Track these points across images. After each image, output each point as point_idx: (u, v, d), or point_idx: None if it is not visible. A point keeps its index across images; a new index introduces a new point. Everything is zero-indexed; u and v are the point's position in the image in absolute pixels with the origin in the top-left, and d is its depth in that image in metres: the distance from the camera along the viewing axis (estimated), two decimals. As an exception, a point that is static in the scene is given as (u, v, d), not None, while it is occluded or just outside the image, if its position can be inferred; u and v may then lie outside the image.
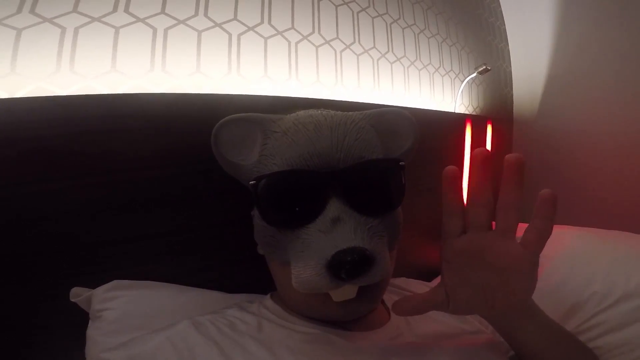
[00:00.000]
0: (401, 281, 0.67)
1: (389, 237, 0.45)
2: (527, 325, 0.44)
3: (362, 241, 0.39)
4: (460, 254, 0.39)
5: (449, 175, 0.39)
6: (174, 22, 0.65)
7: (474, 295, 0.39)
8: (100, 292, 0.51)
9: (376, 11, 1.01)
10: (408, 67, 1.07)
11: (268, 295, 0.54)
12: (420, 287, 0.66)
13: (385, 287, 0.48)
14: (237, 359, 0.39)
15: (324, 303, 0.43)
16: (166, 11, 0.64)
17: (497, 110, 1.41)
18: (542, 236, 0.35)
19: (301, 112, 0.50)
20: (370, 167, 0.45)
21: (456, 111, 1.19)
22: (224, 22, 0.71)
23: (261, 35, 0.76)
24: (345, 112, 0.51)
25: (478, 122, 1.20)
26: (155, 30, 0.62)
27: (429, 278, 0.82)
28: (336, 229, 0.39)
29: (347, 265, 0.37)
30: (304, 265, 0.40)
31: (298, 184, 0.43)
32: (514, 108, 1.47)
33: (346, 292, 0.41)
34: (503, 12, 1.48)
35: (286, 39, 0.80)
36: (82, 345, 0.50)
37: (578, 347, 0.49)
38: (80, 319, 0.51)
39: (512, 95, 1.47)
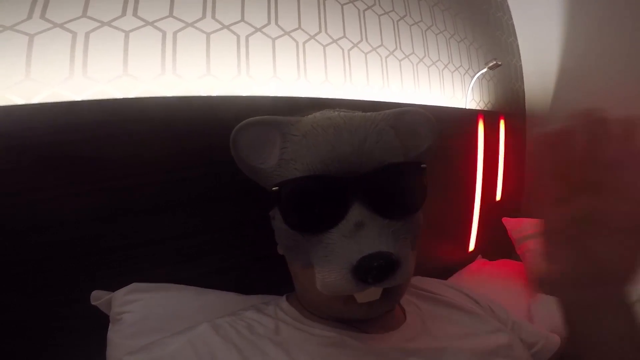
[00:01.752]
0: (416, 279, 0.66)
1: (411, 238, 0.45)
2: (616, 317, 0.39)
3: (386, 246, 0.39)
4: (580, 221, 0.32)
5: (555, 132, 0.32)
6: (183, 24, 0.65)
7: (592, 270, 0.33)
8: (120, 295, 0.52)
9: (382, 9, 1.00)
10: (417, 64, 1.06)
11: (284, 297, 0.54)
12: (435, 284, 0.64)
13: (407, 286, 0.48)
14: None
15: (346, 304, 0.43)
16: (174, 14, 0.64)
17: (509, 105, 1.39)
18: None
19: (318, 114, 0.50)
20: (392, 171, 0.45)
21: (467, 107, 1.17)
22: (232, 24, 0.71)
23: (269, 36, 0.76)
24: (363, 113, 0.50)
25: (490, 117, 1.19)
26: (164, 34, 0.62)
27: (442, 276, 0.81)
28: (360, 234, 0.39)
29: (374, 271, 0.37)
30: (329, 270, 0.40)
31: (321, 190, 0.43)
32: (526, 103, 1.45)
33: (371, 294, 0.41)
34: (510, 7, 1.46)
35: (294, 39, 0.80)
36: (103, 348, 0.50)
37: None
38: (101, 322, 0.52)
39: (523, 90, 1.45)
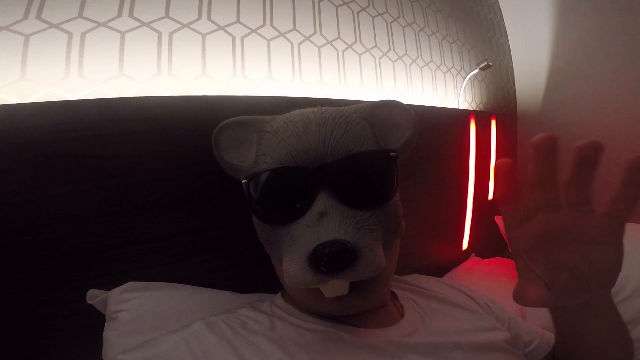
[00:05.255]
0: (412, 278, 0.67)
1: (383, 230, 0.44)
2: (604, 319, 0.42)
3: (345, 234, 0.38)
4: (541, 238, 0.35)
5: (504, 168, 0.34)
6: (178, 26, 0.65)
7: (571, 279, 0.35)
8: (116, 293, 0.52)
9: (376, 10, 1.01)
10: (410, 65, 1.08)
11: (279, 294, 0.54)
12: (433, 282, 0.65)
13: (381, 282, 0.46)
14: (251, 359, 0.39)
15: (317, 298, 0.43)
16: (170, 15, 0.64)
17: (501, 105, 1.41)
18: (630, 204, 0.32)
19: (295, 111, 0.50)
20: (359, 160, 0.44)
21: (460, 107, 1.19)
22: (227, 25, 0.71)
23: (264, 37, 0.76)
24: (338, 108, 0.50)
25: (482, 117, 1.20)
26: (160, 34, 0.63)
27: (436, 275, 0.82)
28: (322, 223, 0.39)
29: (324, 258, 0.36)
30: (290, 259, 0.39)
31: (285, 181, 0.43)
32: (517, 103, 1.47)
33: (336, 288, 0.40)
34: (501, 8, 1.48)
35: (289, 40, 0.80)
36: (99, 346, 0.50)
37: (630, 346, 0.47)
38: (97, 321, 0.52)
39: (514, 91, 1.47)
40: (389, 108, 0.51)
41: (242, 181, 0.45)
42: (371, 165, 0.45)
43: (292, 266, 0.39)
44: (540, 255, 0.35)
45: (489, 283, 0.97)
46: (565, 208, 0.34)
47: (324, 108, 0.49)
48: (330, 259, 0.36)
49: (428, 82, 1.13)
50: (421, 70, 1.11)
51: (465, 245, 1.16)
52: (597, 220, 0.33)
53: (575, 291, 0.35)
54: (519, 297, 0.37)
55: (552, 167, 0.33)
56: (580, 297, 0.36)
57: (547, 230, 0.34)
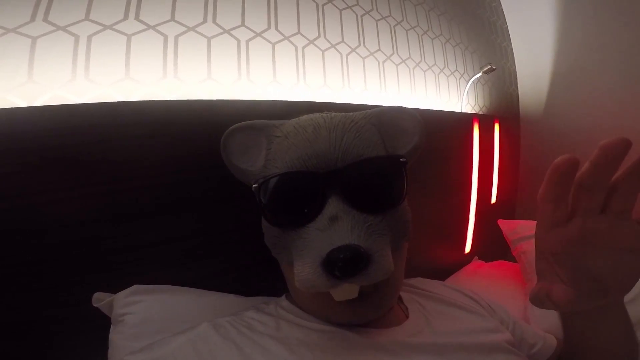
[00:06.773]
0: (417, 281, 0.67)
1: (393, 235, 0.44)
2: (614, 323, 0.42)
3: (357, 239, 0.38)
4: (574, 242, 0.33)
5: (565, 162, 0.31)
6: (184, 29, 0.65)
7: (593, 285, 0.34)
8: (122, 296, 0.52)
9: (379, 14, 1.01)
10: (413, 69, 1.08)
11: (283, 296, 0.55)
12: (436, 285, 0.65)
13: (392, 287, 0.47)
14: (257, 359, 0.39)
15: (328, 305, 0.43)
16: (176, 18, 0.64)
17: (504, 109, 1.41)
18: None
19: (304, 116, 0.51)
20: (369, 165, 0.45)
21: (463, 111, 1.19)
22: (232, 29, 0.71)
23: (269, 41, 0.76)
24: (346, 113, 0.51)
25: (485, 121, 1.21)
26: (166, 38, 0.63)
27: (439, 278, 0.82)
28: (333, 227, 0.39)
29: (339, 263, 0.36)
30: (302, 263, 0.40)
31: (296, 185, 0.44)
32: (520, 106, 1.47)
33: (347, 291, 0.41)
34: (504, 11, 1.49)
35: (293, 43, 0.81)
36: (104, 349, 0.50)
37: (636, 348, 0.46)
38: (102, 323, 0.52)
39: (517, 94, 1.47)
40: (397, 114, 0.52)
41: (253, 185, 0.45)
42: (382, 171, 0.46)
43: (304, 270, 0.39)
44: (568, 260, 0.34)
45: (491, 286, 0.97)
46: (604, 214, 0.32)
47: (332, 114, 0.50)
48: (345, 264, 0.36)
49: (431, 86, 1.13)
50: (424, 74, 1.11)
51: (468, 249, 1.16)
52: (634, 228, 0.32)
53: (595, 297, 0.34)
54: (540, 298, 0.36)
55: (612, 172, 0.31)
56: (598, 302, 0.35)
57: (581, 236, 0.33)
